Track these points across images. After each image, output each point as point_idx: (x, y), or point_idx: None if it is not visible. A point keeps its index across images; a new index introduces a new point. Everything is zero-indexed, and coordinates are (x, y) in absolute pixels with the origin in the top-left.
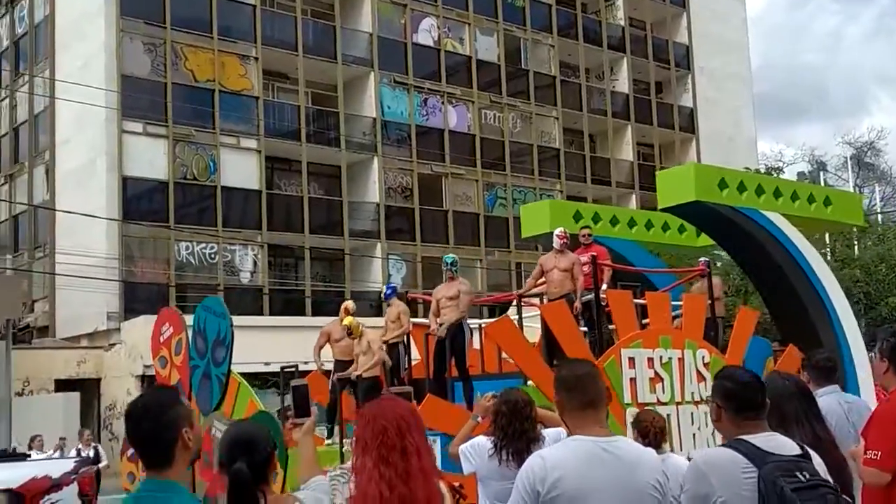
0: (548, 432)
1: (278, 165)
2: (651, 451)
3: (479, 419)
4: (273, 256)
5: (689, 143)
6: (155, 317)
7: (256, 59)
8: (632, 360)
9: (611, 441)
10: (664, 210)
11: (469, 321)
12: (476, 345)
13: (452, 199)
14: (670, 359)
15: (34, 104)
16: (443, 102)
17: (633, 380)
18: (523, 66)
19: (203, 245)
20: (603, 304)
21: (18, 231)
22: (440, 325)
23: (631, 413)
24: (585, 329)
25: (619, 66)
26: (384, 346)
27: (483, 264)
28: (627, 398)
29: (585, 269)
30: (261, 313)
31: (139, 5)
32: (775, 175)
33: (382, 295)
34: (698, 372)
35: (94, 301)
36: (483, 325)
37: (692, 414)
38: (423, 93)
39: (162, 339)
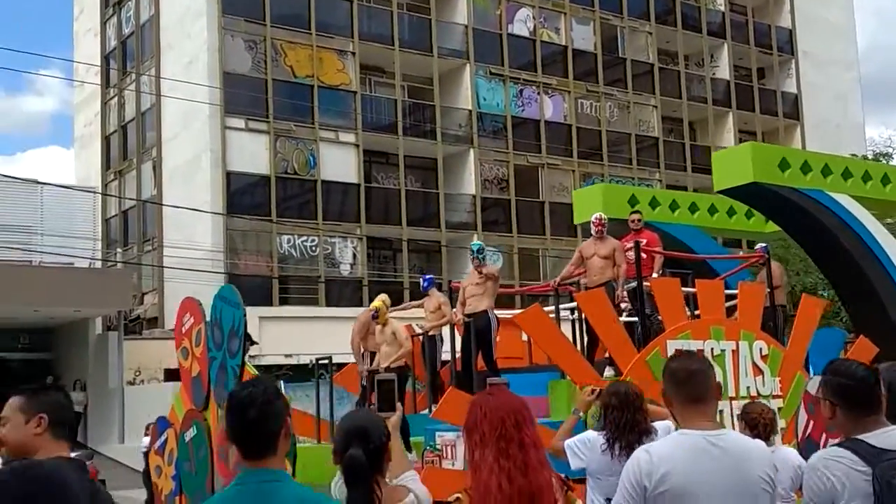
0: (658, 425)
1: (376, 159)
2: (760, 443)
3: (581, 413)
4: (372, 248)
5: (794, 129)
6: (259, 308)
7: (354, 53)
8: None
9: (719, 434)
10: (721, 192)
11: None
12: (524, 336)
13: (549, 190)
14: (723, 351)
15: (141, 102)
16: (538, 93)
17: None
18: (620, 55)
19: (304, 238)
20: (649, 292)
21: (128, 226)
22: (466, 315)
23: None
24: (635, 319)
25: (719, 53)
26: (411, 338)
27: None
28: None
29: (630, 255)
30: (360, 305)
31: (240, 3)
32: (884, 161)
33: (421, 286)
34: (755, 365)
35: (201, 293)
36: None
37: None
38: (519, 84)
39: (184, 330)
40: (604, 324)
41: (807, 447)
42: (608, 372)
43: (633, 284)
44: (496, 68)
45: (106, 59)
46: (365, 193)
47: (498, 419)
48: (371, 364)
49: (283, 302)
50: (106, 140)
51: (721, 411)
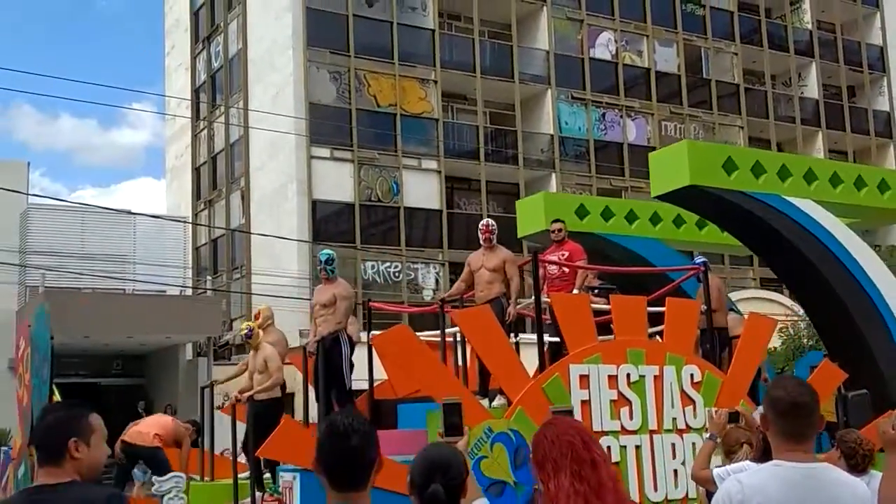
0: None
1: (458, 185)
2: (857, 480)
3: (718, 439)
4: (454, 273)
5: (887, 148)
6: None
7: (436, 81)
8: (584, 377)
9: (814, 468)
10: (657, 198)
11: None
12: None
13: None
14: (642, 377)
15: (230, 134)
16: (621, 116)
17: (585, 402)
18: (705, 76)
19: (387, 264)
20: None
21: (217, 254)
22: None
23: None
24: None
25: (807, 71)
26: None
27: None
28: None
29: (554, 269)
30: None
31: (324, 35)
32: None
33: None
34: (684, 393)
35: (287, 319)
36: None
37: (673, 445)
38: (601, 107)
39: (18, 355)
40: (487, 345)
41: None
42: (497, 401)
43: (529, 301)
44: (578, 92)
45: (196, 92)
46: (447, 219)
47: (566, 443)
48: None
49: (367, 327)
50: (196, 171)
51: (637, 447)
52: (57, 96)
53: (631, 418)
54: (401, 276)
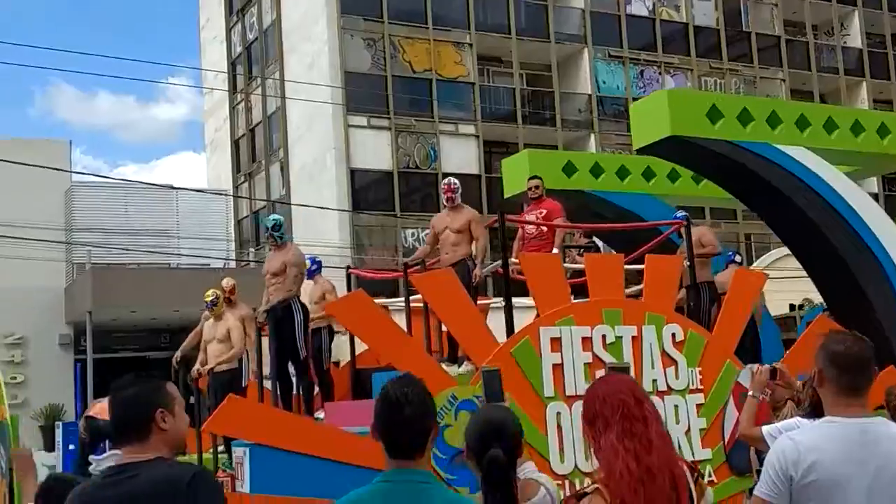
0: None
1: (496, 149)
2: None
3: (760, 397)
4: (495, 238)
5: None
6: (387, 300)
7: (471, 45)
8: (556, 340)
9: (870, 422)
10: (640, 151)
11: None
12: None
13: None
14: (619, 338)
15: (267, 106)
16: (660, 73)
17: (558, 366)
18: (744, 29)
19: (427, 231)
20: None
21: (259, 226)
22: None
23: (555, 408)
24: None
25: (849, 20)
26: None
27: None
28: (550, 391)
29: (531, 229)
30: (483, 296)
31: (358, 2)
32: None
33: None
34: (665, 354)
35: None
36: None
37: None
38: (640, 64)
39: None
40: (451, 310)
41: (737, 451)
42: (462, 367)
43: (497, 264)
44: (615, 50)
45: (232, 65)
46: (486, 184)
47: (618, 400)
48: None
49: (411, 293)
50: (235, 144)
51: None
52: (94, 73)
53: None
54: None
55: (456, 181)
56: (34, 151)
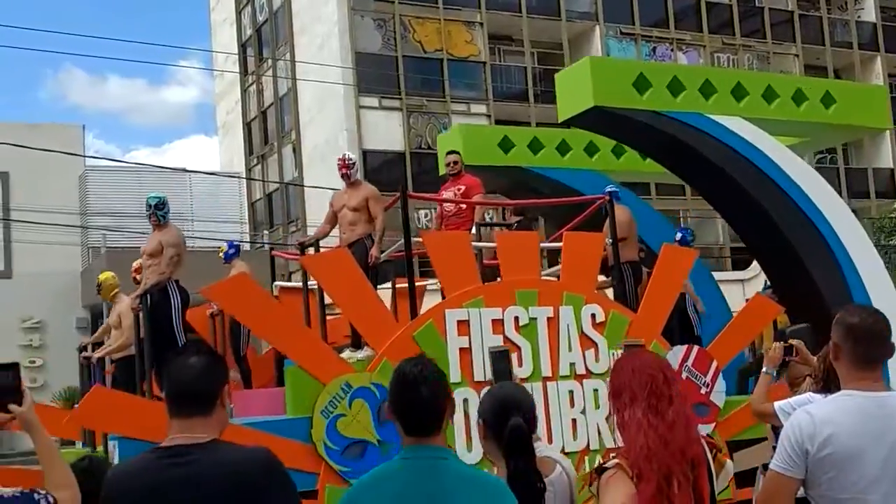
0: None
1: None
2: None
3: (774, 372)
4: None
5: None
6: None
7: (481, 24)
8: (464, 323)
9: (887, 396)
10: (564, 124)
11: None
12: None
13: None
14: (533, 320)
15: (278, 87)
16: (672, 49)
17: (465, 350)
18: (757, 4)
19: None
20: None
21: (272, 208)
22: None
23: (461, 395)
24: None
25: None
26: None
27: None
28: (456, 376)
29: (450, 207)
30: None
31: None
32: None
33: (222, 254)
34: (584, 335)
35: None
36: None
37: (571, 392)
38: (652, 41)
39: None
40: (345, 292)
41: None
42: (361, 353)
43: (400, 244)
44: (627, 27)
45: (243, 47)
46: None
47: (648, 376)
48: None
49: (424, 275)
50: (247, 126)
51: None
52: (105, 57)
53: (520, 365)
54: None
55: (351, 156)
56: (48, 136)
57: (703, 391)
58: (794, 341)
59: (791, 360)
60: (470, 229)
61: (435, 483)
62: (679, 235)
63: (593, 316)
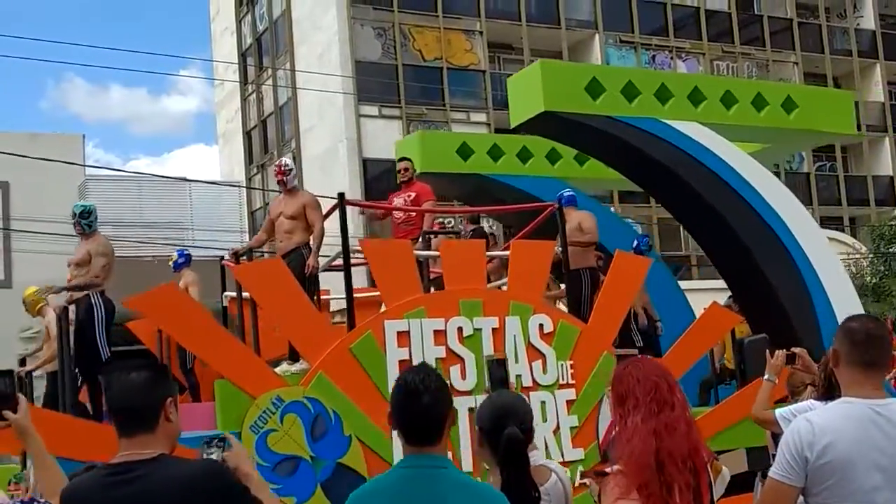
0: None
1: None
2: None
3: (776, 380)
4: (508, 228)
5: None
6: None
7: (481, 32)
8: (404, 334)
9: (886, 404)
10: (516, 129)
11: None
12: None
13: None
14: (478, 331)
15: (278, 96)
16: (671, 58)
17: (404, 362)
18: (756, 12)
19: (440, 219)
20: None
21: None
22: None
23: None
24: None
25: (862, 2)
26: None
27: None
28: None
29: (399, 215)
30: None
31: None
32: None
33: (172, 263)
34: (531, 346)
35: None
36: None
37: None
38: (651, 49)
39: None
40: (278, 304)
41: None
42: (296, 366)
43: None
44: (626, 35)
45: (243, 56)
46: None
47: (652, 384)
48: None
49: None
50: (247, 135)
51: (472, 409)
52: (106, 66)
53: (463, 377)
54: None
55: (288, 162)
56: (48, 146)
57: None
58: (796, 349)
59: (793, 368)
60: (418, 238)
61: (433, 492)
62: (634, 243)
63: (541, 326)
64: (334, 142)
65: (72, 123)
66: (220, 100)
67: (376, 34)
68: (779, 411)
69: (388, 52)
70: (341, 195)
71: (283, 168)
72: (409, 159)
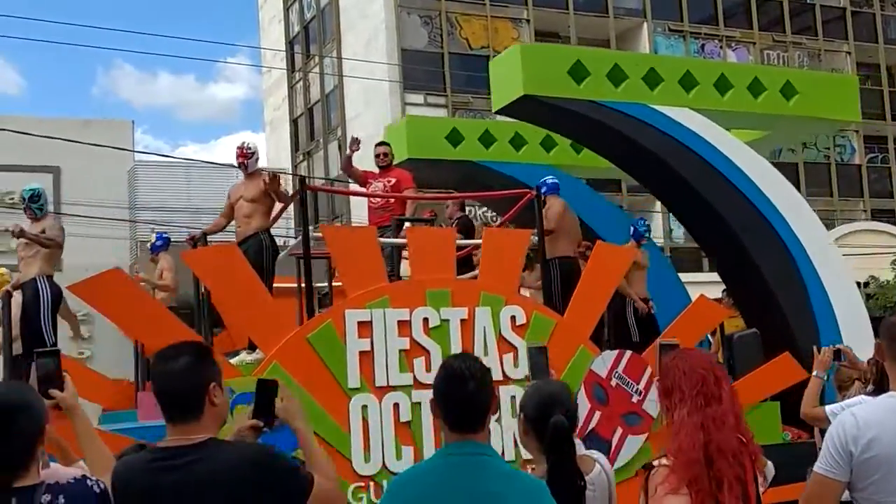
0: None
1: None
2: None
3: (824, 376)
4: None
5: None
6: None
7: (528, 20)
8: (366, 325)
9: None
10: (498, 113)
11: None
12: None
13: None
14: (445, 321)
15: (325, 84)
16: (721, 47)
17: (366, 354)
18: (808, 1)
19: (484, 208)
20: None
21: (318, 204)
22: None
23: (360, 401)
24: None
25: None
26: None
27: None
28: (355, 381)
29: (376, 200)
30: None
31: None
32: None
33: (150, 245)
34: (503, 339)
35: None
36: None
37: None
38: (700, 38)
39: None
40: (230, 291)
41: (592, 446)
42: (250, 356)
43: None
44: (675, 24)
45: (290, 44)
46: None
47: (699, 377)
48: None
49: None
50: (294, 122)
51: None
52: (156, 53)
53: (428, 370)
54: (497, 219)
55: (251, 144)
56: (98, 132)
57: (634, 399)
58: (842, 346)
59: (840, 364)
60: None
61: (476, 479)
62: (632, 228)
63: (513, 318)
64: (380, 129)
65: (122, 109)
66: (267, 87)
67: (423, 22)
68: (829, 407)
69: (434, 41)
70: (302, 179)
71: (245, 150)
72: (387, 144)
